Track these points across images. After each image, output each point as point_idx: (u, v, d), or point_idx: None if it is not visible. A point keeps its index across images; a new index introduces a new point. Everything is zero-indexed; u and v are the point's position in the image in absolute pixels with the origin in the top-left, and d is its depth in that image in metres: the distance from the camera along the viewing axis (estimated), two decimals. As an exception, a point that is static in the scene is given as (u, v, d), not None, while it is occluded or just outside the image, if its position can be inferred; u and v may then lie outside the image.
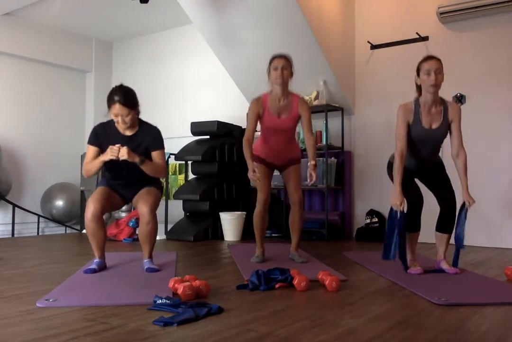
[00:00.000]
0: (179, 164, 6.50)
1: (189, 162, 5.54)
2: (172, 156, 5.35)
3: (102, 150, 3.07)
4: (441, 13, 4.69)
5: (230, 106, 6.22)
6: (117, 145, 2.90)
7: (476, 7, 4.49)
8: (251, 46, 5.08)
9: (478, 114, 4.60)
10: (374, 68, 5.28)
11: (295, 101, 3.40)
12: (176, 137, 6.12)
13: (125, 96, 2.93)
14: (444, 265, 3.04)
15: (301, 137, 5.06)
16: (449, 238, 3.06)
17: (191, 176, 5.73)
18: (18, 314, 2.04)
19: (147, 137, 3.10)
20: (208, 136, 5.51)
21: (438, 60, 2.97)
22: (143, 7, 5.40)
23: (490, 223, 4.54)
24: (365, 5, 5.36)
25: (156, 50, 7.21)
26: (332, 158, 5.19)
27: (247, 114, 3.49)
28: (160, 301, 2.14)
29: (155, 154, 3.12)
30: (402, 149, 2.98)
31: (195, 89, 6.75)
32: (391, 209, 2.98)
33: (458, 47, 4.75)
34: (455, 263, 3.07)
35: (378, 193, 5.07)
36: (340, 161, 5.28)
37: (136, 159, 2.94)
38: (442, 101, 3.04)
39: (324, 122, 5.03)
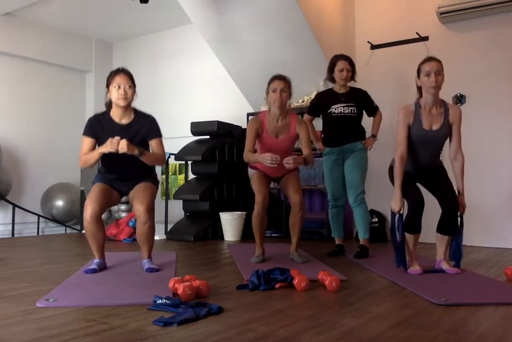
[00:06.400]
0: (179, 164, 6.51)
1: (189, 162, 5.54)
2: (172, 156, 5.35)
3: (98, 141, 3.06)
4: (441, 13, 4.69)
5: (230, 106, 6.22)
6: (117, 137, 2.86)
7: (476, 7, 4.50)
8: (251, 46, 5.08)
9: (478, 114, 4.60)
10: (374, 68, 5.28)
11: (292, 121, 3.43)
12: (176, 137, 6.12)
13: (127, 70, 3.08)
14: (444, 265, 3.03)
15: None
16: (449, 239, 3.05)
17: (191, 176, 5.72)
18: (18, 314, 2.03)
19: (144, 126, 3.09)
20: (208, 136, 5.51)
21: (438, 61, 2.95)
22: (143, 7, 5.40)
23: (490, 223, 4.53)
24: (365, 5, 5.36)
25: (156, 50, 7.21)
26: (332, 158, 5.17)
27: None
28: (160, 301, 2.14)
29: (153, 142, 3.12)
30: (402, 153, 2.98)
31: (195, 89, 6.75)
32: (392, 214, 2.98)
33: (458, 47, 4.75)
34: (457, 263, 3.05)
35: (378, 193, 5.06)
36: (340, 161, 5.26)
37: (136, 151, 2.91)
38: (443, 103, 3.03)
39: (324, 122, 5.01)
